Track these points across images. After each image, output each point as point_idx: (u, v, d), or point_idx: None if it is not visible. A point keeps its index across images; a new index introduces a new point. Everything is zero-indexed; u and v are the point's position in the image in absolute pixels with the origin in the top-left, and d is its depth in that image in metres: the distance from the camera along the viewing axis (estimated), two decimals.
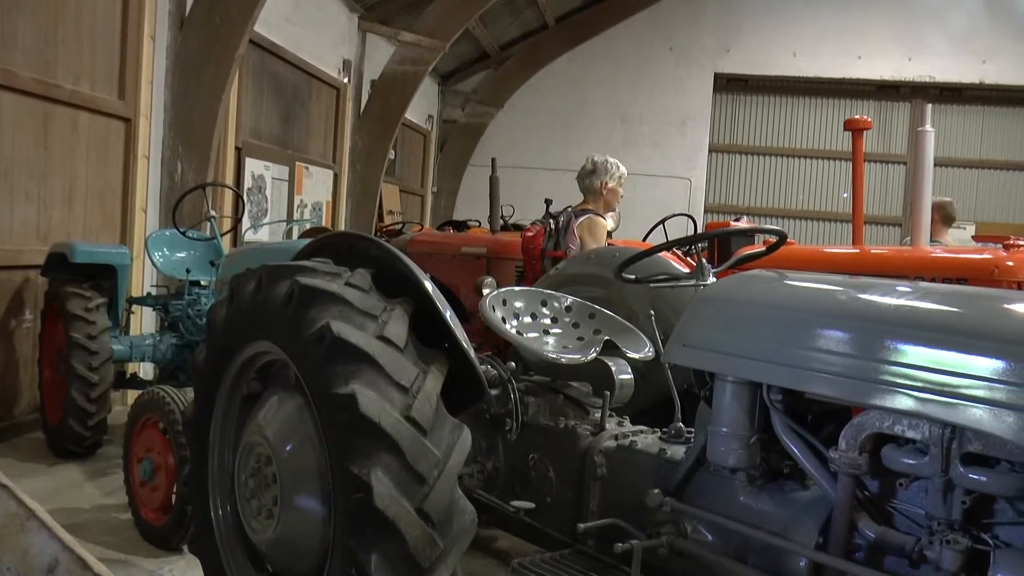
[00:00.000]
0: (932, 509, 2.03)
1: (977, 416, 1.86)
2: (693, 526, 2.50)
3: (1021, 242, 4.43)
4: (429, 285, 2.70)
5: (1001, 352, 1.88)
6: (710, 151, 15.73)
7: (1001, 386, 1.84)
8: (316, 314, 2.52)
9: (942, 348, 1.97)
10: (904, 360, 2.02)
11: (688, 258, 5.40)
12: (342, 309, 2.53)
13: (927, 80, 15.35)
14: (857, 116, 5.16)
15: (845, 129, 5.17)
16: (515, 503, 2.89)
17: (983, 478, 1.90)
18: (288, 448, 2.70)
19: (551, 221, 5.38)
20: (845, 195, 13.46)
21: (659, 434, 2.87)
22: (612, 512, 2.68)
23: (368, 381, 2.40)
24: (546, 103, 15.59)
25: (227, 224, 7.56)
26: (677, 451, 2.68)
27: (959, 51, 15.09)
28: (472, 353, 2.70)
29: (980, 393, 1.87)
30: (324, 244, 3.02)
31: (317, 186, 11.00)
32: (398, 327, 2.55)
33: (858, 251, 4.87)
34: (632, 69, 15.53)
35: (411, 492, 2.34)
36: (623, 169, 5.48)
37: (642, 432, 2.93)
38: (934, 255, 4.60)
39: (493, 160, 7.57)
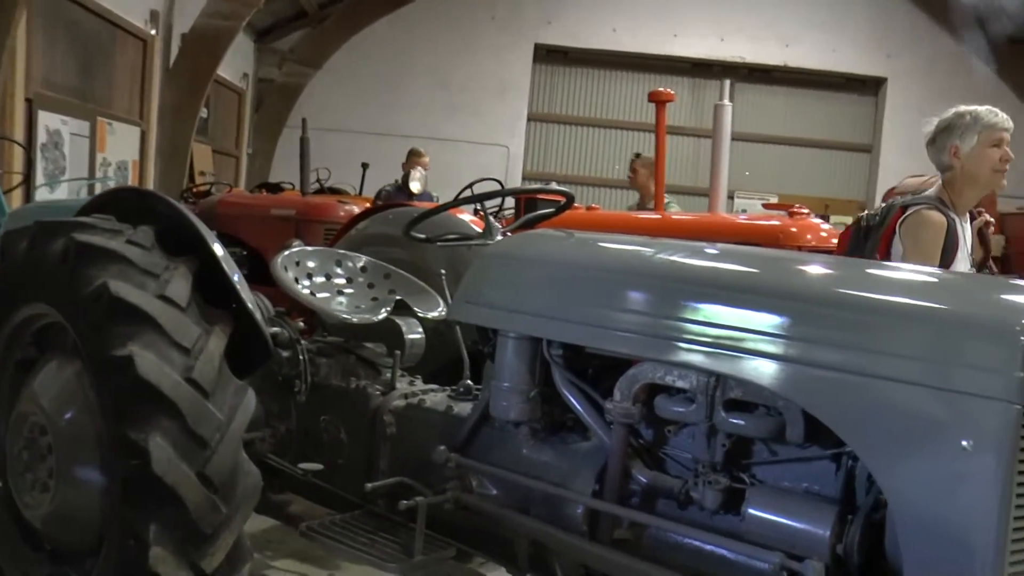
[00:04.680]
0: (697, 453, 2.16)
1: (738, 365, 1.98)
2: (479, 480, 2.54)
3: (804, 211, 4.82)
4: (215, 244, 2.63)
5: (760, 305, 1.99)
6: (529, 120, 15.96)
7: (759, 337, 1.95)
8: (93, 273, 2.41)
9: (708, 302, 2.07)
10: (674, 314, 2.11)
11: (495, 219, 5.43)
12: (121, 267, 2.43)
13: (737, 60, 16.15)
14: (661, 89, 5.38)
15: (649, 100, 5.38)
16: (303, 465, 2.86)
17: (742, 422, 2.02)
18: (66, 417, 2.57)
19: (863, 215, 3.68)
20: None
21: (448, 392, 2.90)
22: (402, 471, 2.69)
23: (147, 342, 2.31)
24: (366, 66, 15.32)
25: (15, 180, 7.04)
26: (464, 408, 2.71)
27: (766, 35, 15.96)
28: (258, 314, 2.65)
29: (741, 344, 1.97)
30: (107, 200, 2.88)
31: (122, 144, 10.39)
32: (180, 286, 2.47)
33: (659, 217, 5.14)
34: (454, 36, 15.48)
35: (192, 456, 2.28)
36: (994, 115, 3.41)
37: (432, 391, 2.95)
38: (728, 221, 4.89)
39: (304, 121, 7.41)
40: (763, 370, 1.94)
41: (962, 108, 3.44)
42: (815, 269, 2.18)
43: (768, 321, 1.96)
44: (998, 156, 3.39)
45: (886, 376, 1.78)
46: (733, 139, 16.83)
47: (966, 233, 3.41)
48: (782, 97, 16.79)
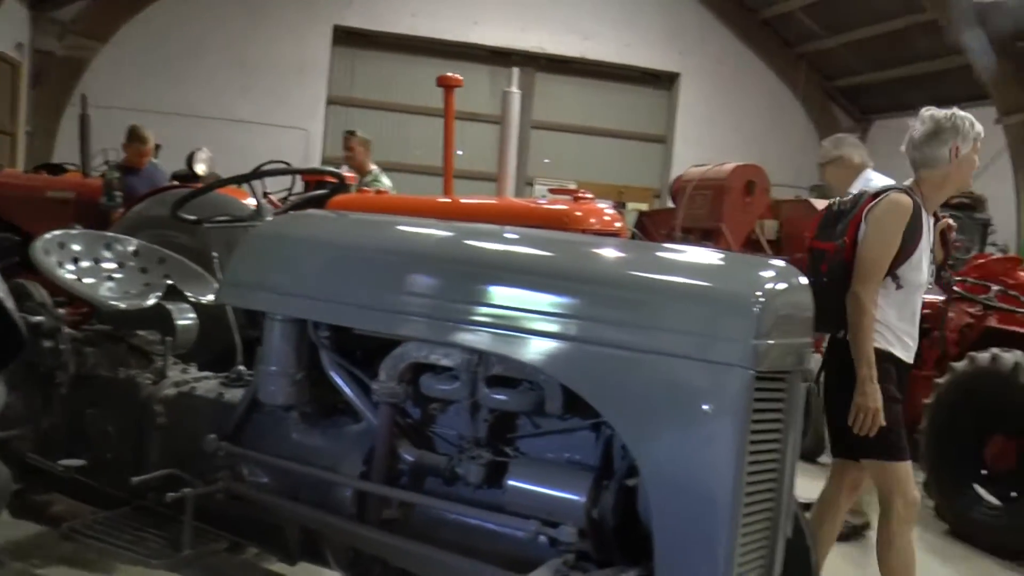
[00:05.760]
0: (462, 429, 2.20)
1: (499, 342, 2.03)
2: (250, 469, 2.48)
3: (588, 196, 5.01)
4: None
5: (517, 282, 2.06)
6: (328, 103, 15.68)
7: (517, 313, 2.01)
8: None
9: (469, 281, 2.11)
10: (436, 293, 2.14)
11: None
12: None
13: (537, 51, 16.50)
14: (449, 73, 5.42)
15: (438, 85, 5.41)
16: (63, 462, 2.70)
17: (504, 397, 2.08)
18: None
19: (835, 200, 3.67)
20: (460, 152, 14.08)
21: (221, 379, 2.81)
22: (172, 462, 2.58)
23: None
24: (157, 42, 14.48)
25: None
26: (236, 394, 2.64)
27: (565, 28, 16.39)
28: (10, 303, 2.47)
29: (501, 321, 2.03)
30: None
31: None
32: None
33: (449, 201, 5.21)
34: (249, 13, 14.92)
35: None
36: (979, 126, 3.55)
37: (205, 378, 2.85)
38: (516, 205, 5.00)
39: (83, 97, 6.97)
40: (522, 346, 2.00)
41: (959, 112, 3.50)
42: (575, 249, 2.27)
43: (525, 298, 2.02)
44: (976, 163, 3.54)
45: (635, 348, 1.88)
46: (533, 127, 17.26)
47: (930, 230, 3.52)
48: (581, 88, 17.31)
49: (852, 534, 4.82)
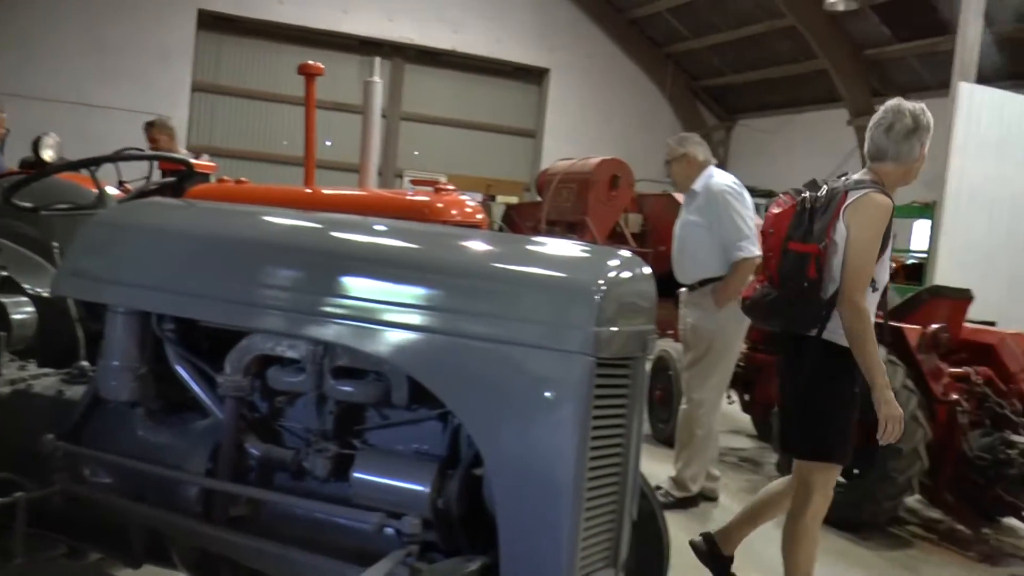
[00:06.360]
0: (309, 422, 2.17)
1: (344, 333, 2.01)
2: (91, 469, 2.38)
3: (450, 187, 5.04)
4: None
5: (361, 271, 2.05)
6: (193, 89, 15.19)
7: (361, 303, 2.00)
8: None
9: (313, 270, 2.09)
10: (280, 283, 2.11)
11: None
12: None
13: (406, 42, 16.42)
14: (311, 62, 5.36)
15: (299, 73, 5.34)
16: None
17: (350, 389, 2.07)
18: None
19: (806, 196, 3.48)
20: (328, 143, 13.89)
21: (61, 375, 2.69)
22: (6, 466, 2.44)
23: None
24: (7, 17, 13.68)
25: None
26: (77, 391, 2.52)
27: (434, 19, 16.38)
28: None
29: (346, 311, 2.01)
30: None
31: None
32: None
33: (309, 191, 5.15)
34: None
35: None
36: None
37: (45, 375, 2.71)
38: (377, 196, 4.98)
39: None
40: (367, 337, 1.99)
41: (926, 109, 3.47)
42: (424, 239, 2.26)
43: (369, 288, 2.02)
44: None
45: (479, 337, 1.90)
46: (403, 119, 17.14)
47: None
48: (452, 81, 17.35)
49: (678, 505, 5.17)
